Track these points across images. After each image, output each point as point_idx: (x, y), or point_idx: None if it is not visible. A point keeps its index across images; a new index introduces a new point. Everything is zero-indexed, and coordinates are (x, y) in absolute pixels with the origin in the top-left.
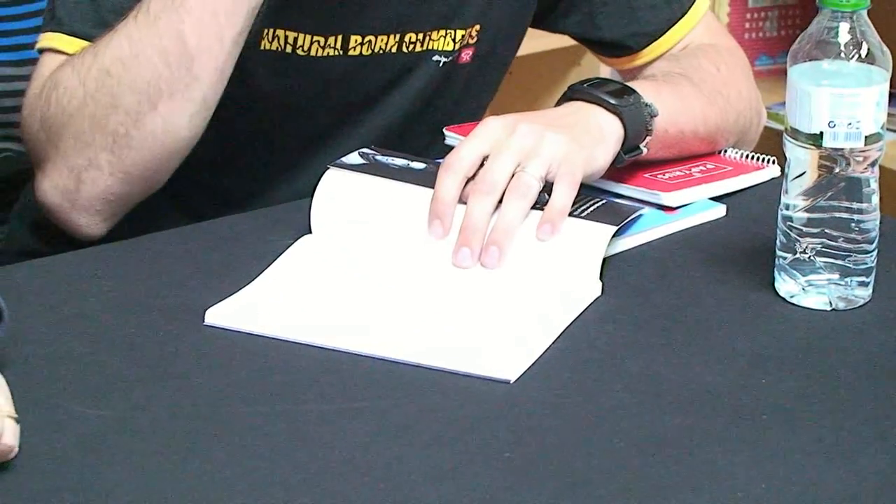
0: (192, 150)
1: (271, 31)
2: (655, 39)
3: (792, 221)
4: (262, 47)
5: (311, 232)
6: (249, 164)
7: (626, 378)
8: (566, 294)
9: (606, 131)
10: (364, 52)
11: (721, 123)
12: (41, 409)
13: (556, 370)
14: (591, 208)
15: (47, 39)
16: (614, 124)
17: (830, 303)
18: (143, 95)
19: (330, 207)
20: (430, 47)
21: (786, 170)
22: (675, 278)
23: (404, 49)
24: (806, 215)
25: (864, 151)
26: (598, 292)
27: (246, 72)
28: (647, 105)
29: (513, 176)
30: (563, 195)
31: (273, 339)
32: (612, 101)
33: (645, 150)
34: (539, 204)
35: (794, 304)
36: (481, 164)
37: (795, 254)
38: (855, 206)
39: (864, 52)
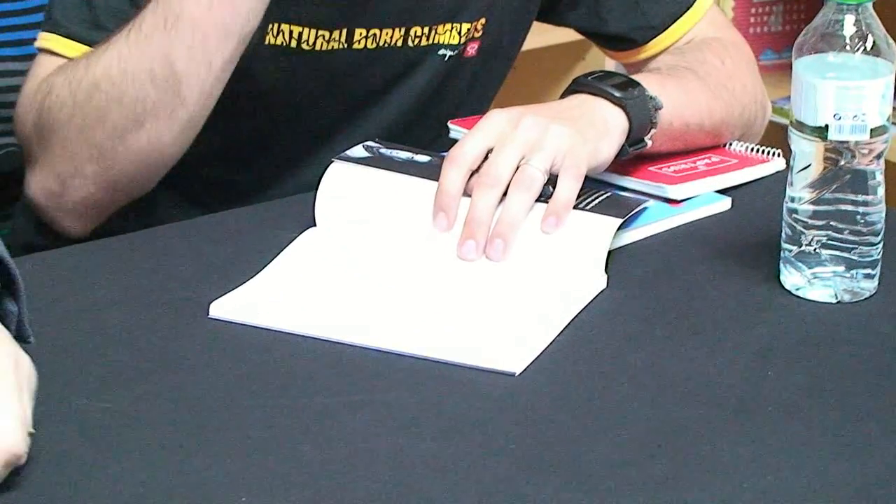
0: (197, 144)
1: (276, 25)
2: (660, 33)
3: (797, 214)
4: (267, 42)
5: (315, 225)
6: (254, 158)
7: (631, 371)
8: (571, 287)
9: (611, 124)
10: (369, 46)
11: (726, 117)
12: (46, 401)
13: (561, 363)
14: (596, 201)
15: (44, 40)
16: (619, 117)
17: (836, 295)
18: (130, 113)
19: (334, 201)
20: (435, 41)
21: (791, 162)
22: (680, 271)
23: (410, 43)
24: (811, 208)
25: (869, 144)
26: (604, 285)
27: (251, 66)
28: (651, 98)
29: (517, 169)
30: (568, 188)
31: (278, 332)
32: (617, 94)
33: (649, 143)
34: (544, 197)
35: (799, 297)
36: (486, 157)
37: (801, 246)
38: (860, 198)
39: (869, 45)
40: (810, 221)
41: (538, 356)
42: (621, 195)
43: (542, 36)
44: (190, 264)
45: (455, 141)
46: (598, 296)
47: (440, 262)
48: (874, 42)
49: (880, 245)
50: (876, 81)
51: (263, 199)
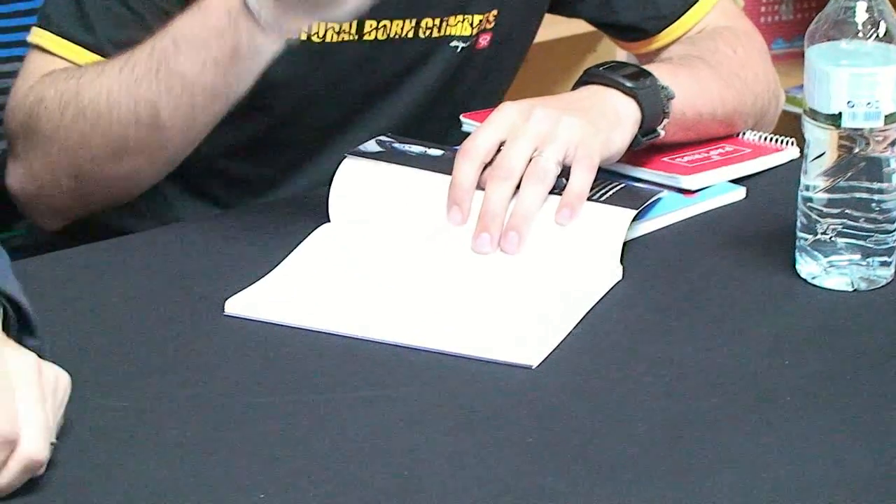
0: (209, 140)
1: None
2: (672, 23)
3: (812, 202)
4: None
5: (329, 220)
6: (268, 153)
7: (647, 362)
8: (587, 279)
9: (623, 114)
10: (379, 37)
11: (738, 106)
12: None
13: (578, 355)
14: (610, 192)
15: (36, 35)
16: (631, 107)
17: (852, 283)
18: (111, 147)
19: (348, 196)
20: (447, 33)
21: (805, 151)
22: (695, 261)
23: (421, 34)
24: (826, 196)
25: (883, 131)
26: (619, 276)
27: None
28: (663, 88)
29: (530, 161)
30: (582, 179)
31: (293, 327)
32: (629, 84)
33: (662, 133)
34: (557, 189)
35: (815, 286)
36: (498, 150)
37: (816, 235)
38: (875, 185)
39: (882, 31)
40: (825, 210)
41: (555, 348)
42: (635, 186)
43: (553, 28)
44: (205, 261)
45: (468, 134)
46: (613, 287)
47: (454, 256)
48: (887, 28)
49: None
50: (889, 68)
51: (277, 193)
